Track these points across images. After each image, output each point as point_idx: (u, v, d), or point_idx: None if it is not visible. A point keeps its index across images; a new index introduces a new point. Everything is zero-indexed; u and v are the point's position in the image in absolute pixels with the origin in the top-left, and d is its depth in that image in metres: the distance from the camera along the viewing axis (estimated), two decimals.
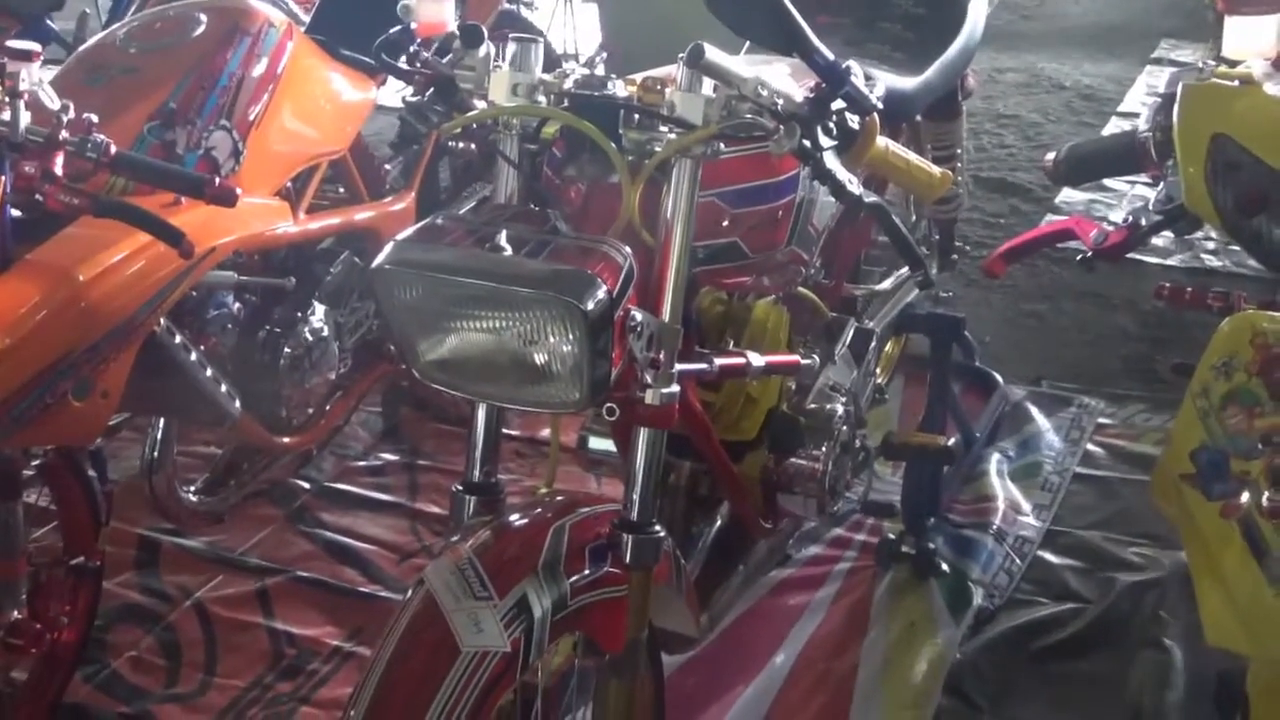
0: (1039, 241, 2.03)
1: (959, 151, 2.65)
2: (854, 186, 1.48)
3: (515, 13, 3.28)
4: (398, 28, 1.64)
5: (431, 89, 1.59)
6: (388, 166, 2.96)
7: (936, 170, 1.63)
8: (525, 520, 1.54)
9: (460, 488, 1.64)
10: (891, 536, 2.66)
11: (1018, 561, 2.67)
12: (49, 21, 3.48)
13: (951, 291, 2.89)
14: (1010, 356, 3.39)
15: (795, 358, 1.91)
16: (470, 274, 1.35)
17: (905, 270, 2.54)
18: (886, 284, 2.50)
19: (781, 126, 1.42)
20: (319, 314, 2.60)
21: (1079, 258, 1.93)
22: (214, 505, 2.68)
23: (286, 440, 2.60)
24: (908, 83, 2.27)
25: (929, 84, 2.33)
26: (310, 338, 2.57)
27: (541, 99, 1.55)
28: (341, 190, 2.80)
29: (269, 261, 2.51)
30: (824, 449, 2.02)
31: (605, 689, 1.56)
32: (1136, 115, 4.95)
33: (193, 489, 2.67)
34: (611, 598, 1.51)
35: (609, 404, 1.49)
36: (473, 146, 3.25)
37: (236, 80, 2.32)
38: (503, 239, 1.37)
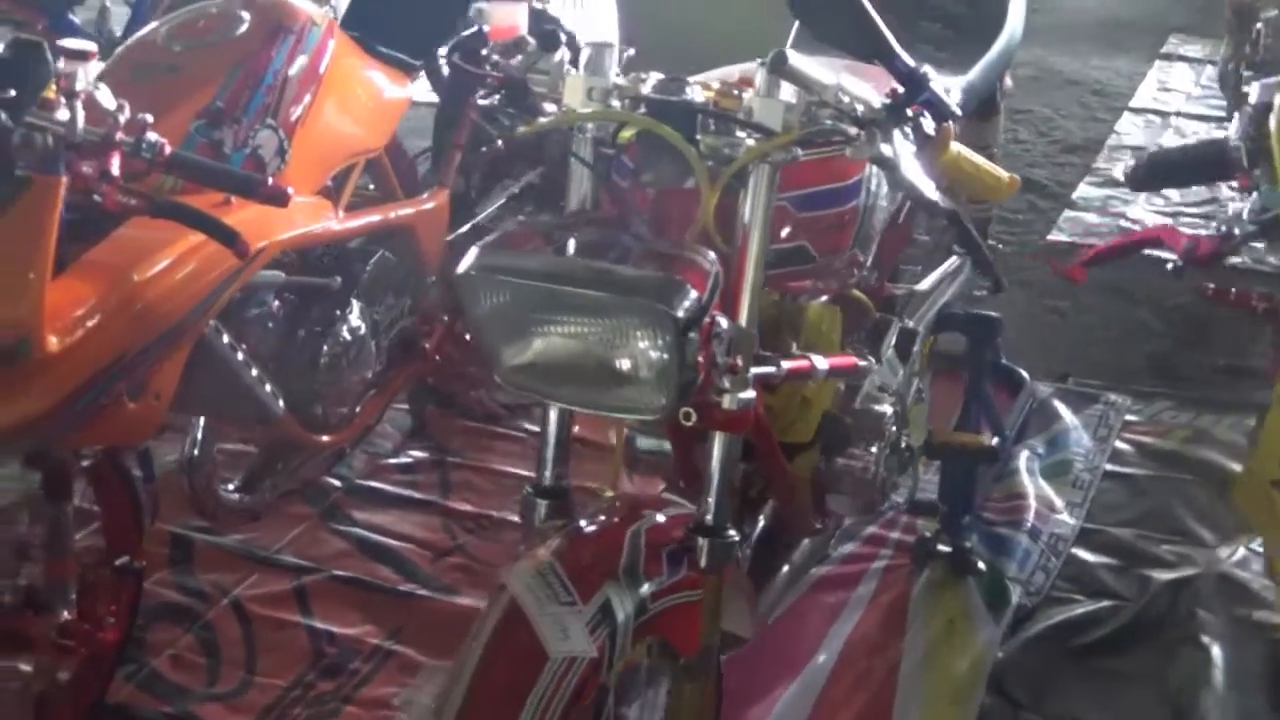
0: (1126, 248, 2.04)
1: (995, 150, 2.66)
2: (933, 192, 1.49)
3: (543, 11, 3.27)
4: (470, 30, 1.64)
5: (503, 92, 1.58)
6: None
7: (1004, 174, 1.65)
8: (601, 525, 1.55)
9: (531, 490, 1.64)
10: (927, 535, 2.67)
11: (1053, 559, 2.68)
12: (71, 15, 3.46)
13: (985, 290, 2.90)
14: (1034, 353, 3.40)
15: (854, 360, 1.92)
16: (561, 280, 1.36)
17: (943, 269, 2.56)
18: (926, 283, 2.51)
19: (862, 132, 1.42)
20: (356, 312, 2.60)
21: (1169, 266, 1.93)
22: (251, 503, 2.69)
23: (325, 438, 2.61)
24: (953, 83, 2.28)
25: (972, 85, 2.34)
26: (348, 336, 2.58)
27: (615, 103, 1.55)
28: (372, 187, 2.80)
29: (306, 259, 2.50)
30: (874, 449, 2.03)
31: (679, 692, 1.57)
32: (1149, 111, 5.00)
33: (231, 487, 2.67)
34: (688, 602, 1.52)
35: (686, 409, 1.49)
36: (499, 144, 3.26)
37: (281, 79, 2.32)
38: (590, 245, 1.37)
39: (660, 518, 1.56)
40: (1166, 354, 3.45)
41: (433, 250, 2.83)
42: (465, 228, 3.02)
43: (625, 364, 1.40)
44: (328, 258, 2.58)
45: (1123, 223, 4.20)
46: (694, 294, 1.36)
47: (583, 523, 1.57)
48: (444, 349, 2.92)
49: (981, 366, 2.64)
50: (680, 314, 1.34)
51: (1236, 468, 2.94)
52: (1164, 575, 2.61)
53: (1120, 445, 3.08)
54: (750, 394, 1.51)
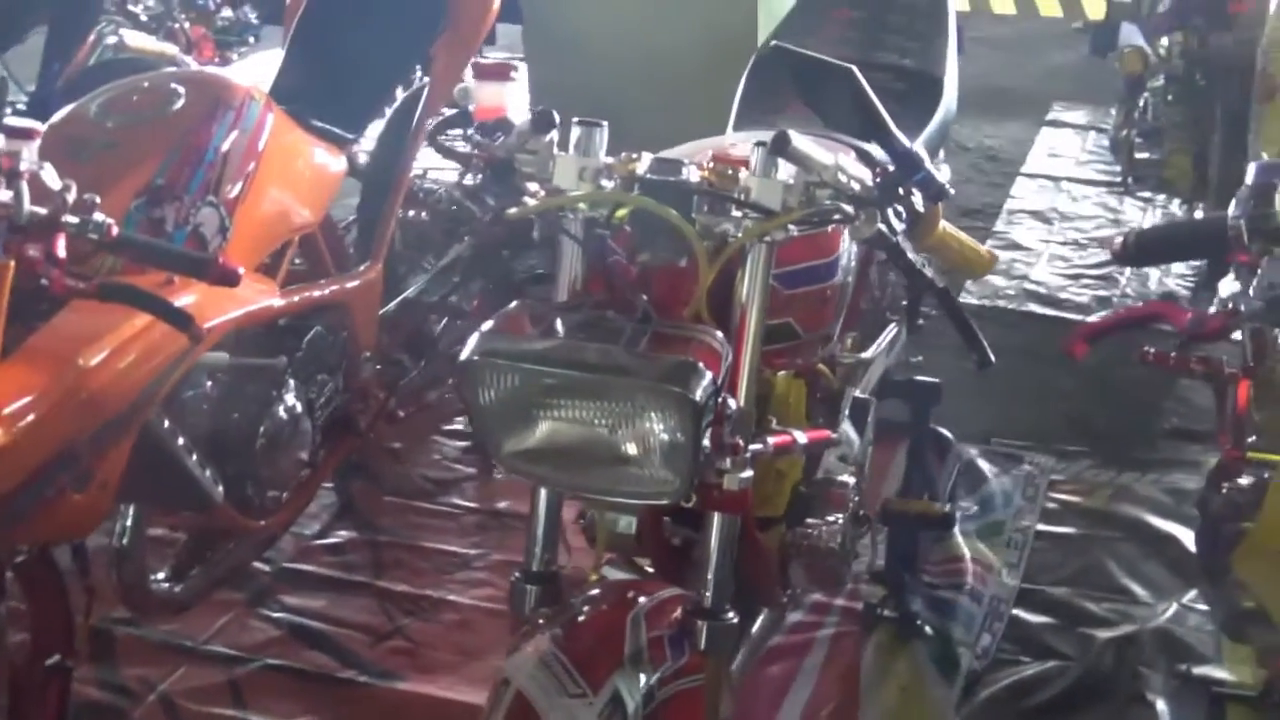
0: (1124, 322, 2.09)
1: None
2: (928, 270, 1.51)
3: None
4: (454, 111, 1.62)
5: (487, 172, 1.57)
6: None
7: (984, 249, 1.68)
8: (597, 610, 1.53)
9: (520, 576, 1.61)
10: (873, 601, 2.69)
11: (996, 622, 2.72)
12: None
13: (922, 357, 2.96)
14: (955, 415, 3.46)
15: (827, 433, 1.93)
16: (574, 365, 1.35)
17: (886, 336, 2.60)
18: (870, 351, 2.54)
19: (862, 212, 1.44)
20: (292, 391, 2.55)
21: (1178, 344, 1.96)
22: (183, 594, 2.58)
23: (262, 523, 2.54)
24: None
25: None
26: (285, 416, 2.52)
27: (605, 183, 1.55)
28: (299, 262, 2.75)
29: (242, 338, 2.44)
30: (840, 520, 2.04)
31: None
32: (1042, 176, 5.18)
33: (160, 576, 2.56)
34: (691, 686, 1.50)
35: None
36: (424, 216, 3.24)
37: (221, 155, 2.28)
38: (594, 327, 1.36)
39: (651, 600, 1.54)
40: (1082, 414, 3.54)
41: (367, 325, 2.79)
42: (394, 303, 2.99)
43: (635, 448, 1.39)
44: (263, 336, 2.52)
45: (1027, 285, 4.33)
46: (709, 376, 1.36)
47: (580, 608, 1.54)
48: (378, 426, 2.88)
49: (924, 432, 2.68)
50: (697, 397, 1.33)
51: (1162, 524, 3.04)
52: (1105, 633, 2.67)
53: (1049, 505, 3.15)
54: (749, 473, 1.51)
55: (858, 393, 2.35)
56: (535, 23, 3.34)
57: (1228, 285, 1.80)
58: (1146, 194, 4.67)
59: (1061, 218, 4.81)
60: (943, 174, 1.52)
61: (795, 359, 1.87)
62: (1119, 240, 2.06)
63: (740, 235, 1.51)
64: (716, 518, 1.52)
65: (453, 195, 3.41)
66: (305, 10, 2.95)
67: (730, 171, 1.53)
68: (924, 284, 1.53)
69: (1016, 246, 4.59)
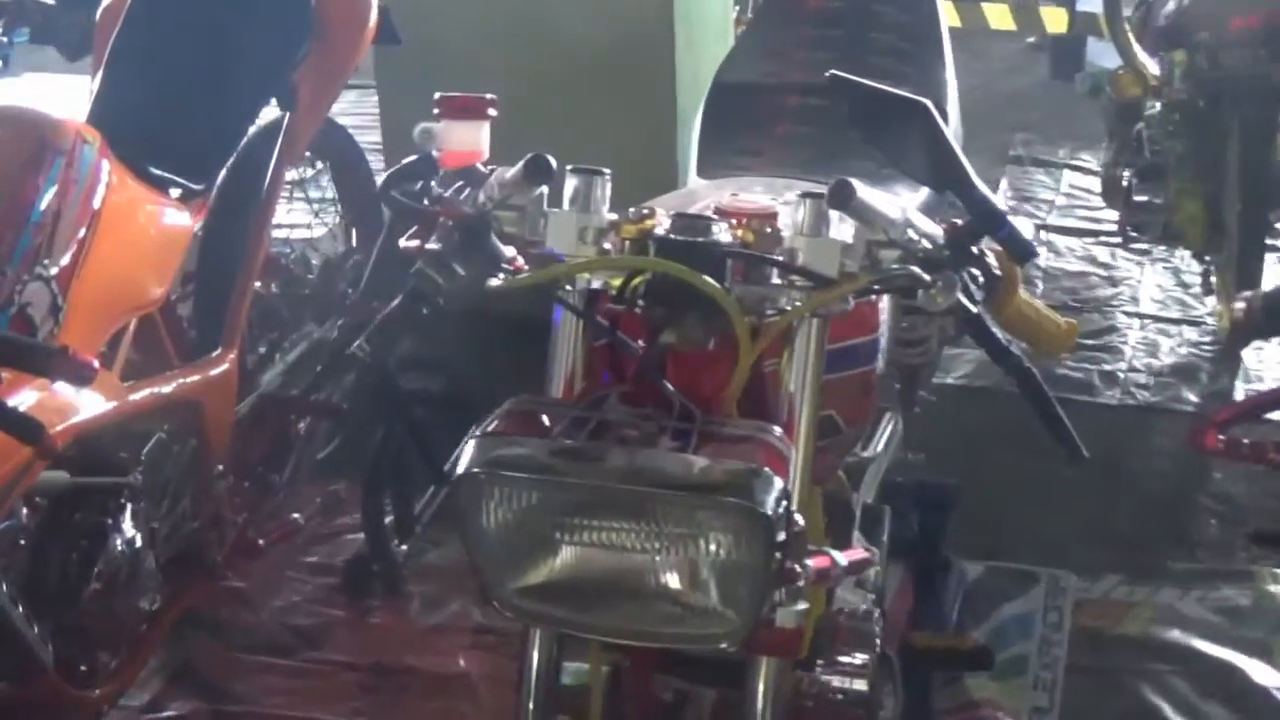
0: (1263, 405, 2.14)
1: None
2: (1014, 346, 1.57)
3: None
4: (412, 158, 1.64)
5: (457, 236, 1.59)
6: None
7: (1063, 320, 1.75)
8: None
9: None
10: None
11: None
12: None
13: (924, 454, 3.02)
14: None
15: (864, 552, 1.97)
16: (608, 476, 1.36)
17: (885, 430, 2.66)
18: (872, 448, 2.60)
19: (938, 278, 1.49)
20: (129, 517, 2.50)
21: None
22: None
23: (96, 693, 2.47)
24: None
25: None
26: (122, 551, 2.47)
27: (607, 246, 1.58)
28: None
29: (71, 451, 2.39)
30: (865, 661, 2.07)
31: None
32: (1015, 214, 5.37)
33: None
34: None
35: None
36: (273, 288, 3.23)
37: (52, 215, 2.24)
38: (629, 428, 1.38)
39: None
40: (1101, 517, 3.64)
41: (220, 429, 2.77)
42: (248, 400, 2.96)
43: (684, 580, 1.40)
44: (94, 446, 2.47)
45: None
46: (779, 484, 1.38)
47: None
48: (236, 561, 2.84)
49: (936, 547, 2.73)
50: (769, 511, 1.35)
51: (1218, 652, 3.13)
52: None
53: (1076, 633, 3.22)
54: (804, 606, 1.54)
55: (868, 499, 2.40)
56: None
57: None
58: (1145, 245, 4.86)
59: (1045, 276, 4.97)
60: (1027, 229, 1.58)
61: (834, 459, 1.90)
62: (1240, 306, 2.12)
63: (789, 308, 1.54)
64: (764, 664, 1.54)
65: (306, 258, 3.43)
66: (125, 25, 2.94)
67: (770, 230, 1.57)
68: (1013, 367, 1.59)
69: None
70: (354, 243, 3.51)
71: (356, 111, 5.35)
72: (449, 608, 3.21)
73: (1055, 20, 7.04)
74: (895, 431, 2.72)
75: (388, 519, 3.22)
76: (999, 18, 7.47)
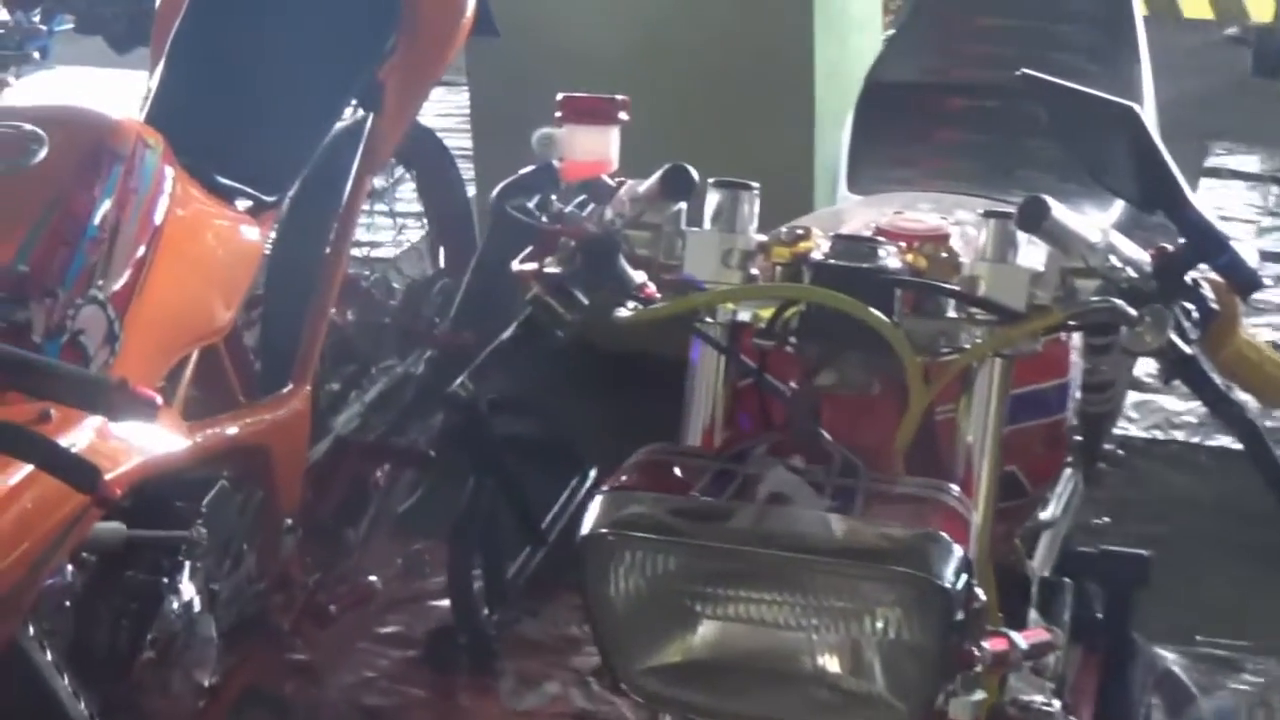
0: None
1: None
2: (1233, 393, 1.55)
3: None
4: (530, 168, 1.65)
5: (580, 258, 1.60)
6: None
7: None
8: None
9: None
10: None
11: None
12: None
13: (1109, 518, 2.99)
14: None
15: (1045, 634, 1.96)
16: (760, 540, 1.37)
17: (1063, 490, 2.64)
18: (1047, 512, 2.58)
19: (1147, 313, 1.48)
20: (186, 578, 2.53)
21: None
22: None
23: None
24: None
25: None
26: (179, 616, 2.50)
27: (755, 271, 1.59)
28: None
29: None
30: None
31: None
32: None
33: None
34: None
35: None
36: (350, 316, 3.27)
37: (110, 229, 2.29)
38: (783, 484, 1.39)
39: None
40: None
41: (290, 476, 2.80)
42: (322, 445, 3.00)
43: (844, 662, 1.40)
44: (151, 495, 2.51)
45: None
46: (958, 553, 1.38)
47: None
48: (305, 629, 2.87)
49: (1124, 628, 2.71)
50: (949, 584, 1.35)
51: None
52: None
53: None
54: (981, 695, 1.53)
55: (1046, 572, 2.38)
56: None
57: None
58: None
59: (1252, 309, 4.91)
60: (1251, 255, 1.57)
61: (1013, 525, 1.90)
62: None
63: (968, 347, 1.54)
64: None
65: (388, 282, 3.47)
66: (189, 14, 3.00)
67: (945, 254, 1.57)
68: (1233, 417, 1.57)
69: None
70: (441, 263, 3.55)
71: (439, 111, 5.42)
72: (546, 688, 3.22)
73: (1260, 8, 6.99)
74: (1076, 491, 2.69)
75: (477, 584, 3.23)
76: (1194, 6, 7.39)
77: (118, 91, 3.08)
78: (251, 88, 2.89)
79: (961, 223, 1.92)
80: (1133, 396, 4.45)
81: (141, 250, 2.35)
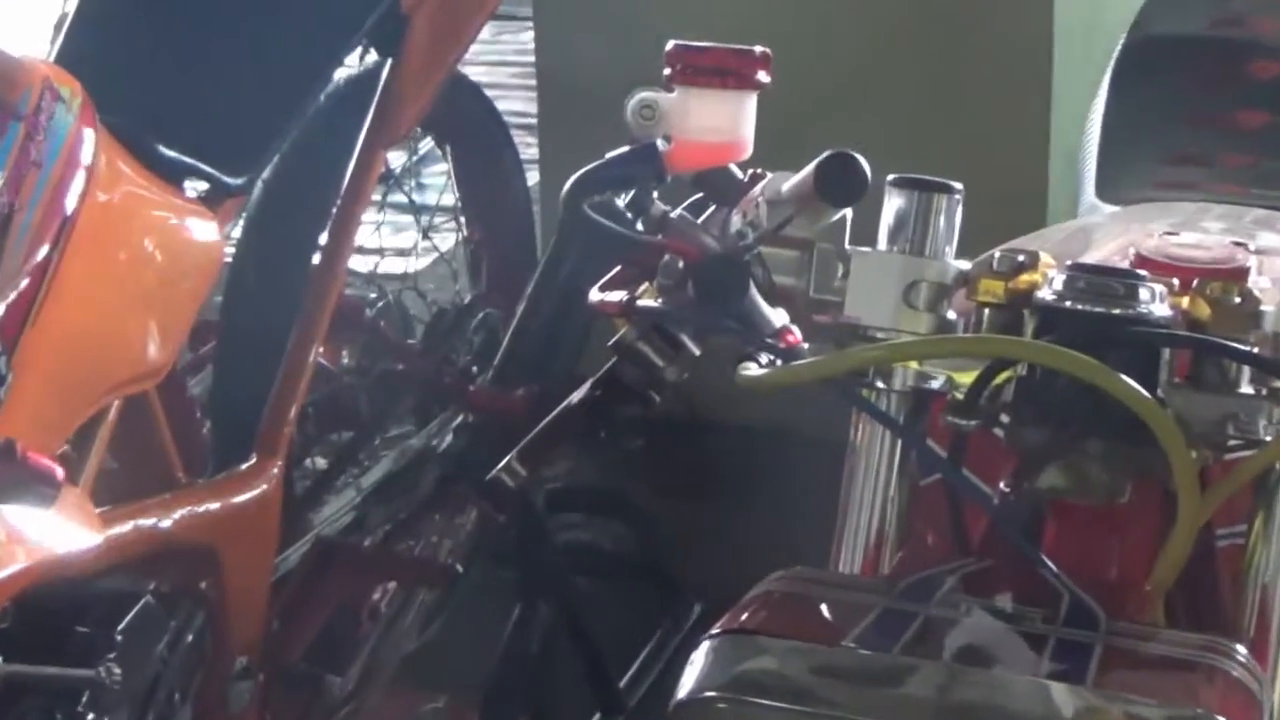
0: None
1: None
2: None
3: None
4: (621, 150, 1.67)
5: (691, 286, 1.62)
6: None
7: None
8: None
9: None
10: None
11: None
12: None
13: None
14: None
15: None
16: (947, 718, 1.38)
17: None
18: None
19: None
20: None
21: None
22: None
23: None
24: None
25: None
26: None
27: (952, 315, 1.61)
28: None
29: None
30: None
31: None
32: None
33: None
34: None
35: None
36: (344, 358, 3.31)
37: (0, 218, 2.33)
38: (980, 631, 1.41)
39: None
40: None
41: (249, 595, 2.83)
42: (297, 545, 3.03)
43: None
44: (41, 613, 2.55)
45: None
46: None
47: None
48: None
49: None
50: None
51: None
52: None
53: None
54: None
55: None
56: None
57: None
58: None
59: None
60: None
61: None
62: None
63: (1268, 439, 1.55)
64: None
65: (403, 308, 3.51)
66: None
67: (1239, 298, 1.58)
68: None
69: None
70: (484, 285, 3.57)
71: (490, 58, 5.47)
72: None
73: None
74: None
75: None
76: None
77: (15, 20, 3.12)
78: (211, 19, 2.92)
79: (1266, 251, 1.92)
80: None
81: (43, 252, 2.38)
